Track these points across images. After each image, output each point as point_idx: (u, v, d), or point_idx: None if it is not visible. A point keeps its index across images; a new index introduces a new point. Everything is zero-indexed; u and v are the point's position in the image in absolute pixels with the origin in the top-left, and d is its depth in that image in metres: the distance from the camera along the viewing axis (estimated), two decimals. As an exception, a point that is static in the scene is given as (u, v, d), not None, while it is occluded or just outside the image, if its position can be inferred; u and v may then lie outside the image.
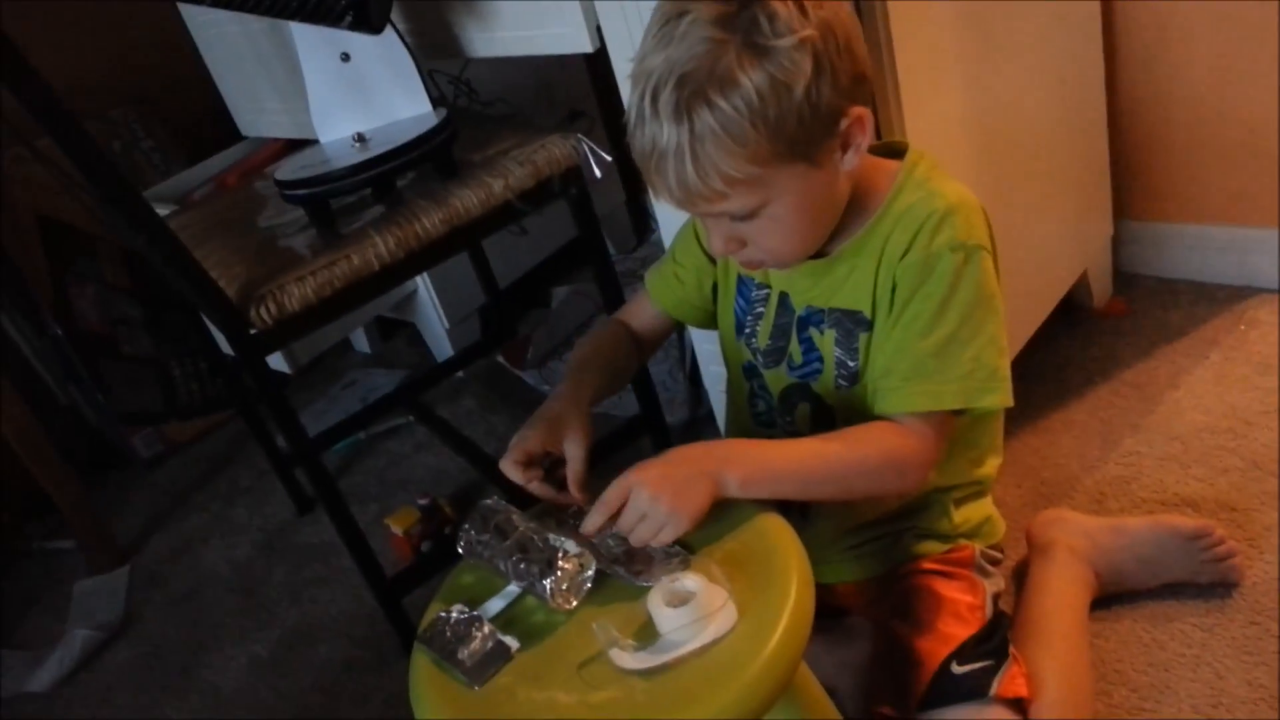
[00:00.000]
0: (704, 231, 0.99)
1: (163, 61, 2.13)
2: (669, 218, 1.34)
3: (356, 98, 1.37)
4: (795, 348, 1.00)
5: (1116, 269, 1.67)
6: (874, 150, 0.94)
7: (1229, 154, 1.52)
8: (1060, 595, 1.12)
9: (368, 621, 1.53)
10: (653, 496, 0.82)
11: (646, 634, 0.78)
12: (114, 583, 1.83)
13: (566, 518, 0.91)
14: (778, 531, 0.84)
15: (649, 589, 0.80)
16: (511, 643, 0.81)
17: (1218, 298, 1.58)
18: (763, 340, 1.03)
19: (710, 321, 1.11)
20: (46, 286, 2.03)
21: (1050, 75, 1.40)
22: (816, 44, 0.80)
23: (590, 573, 0.84)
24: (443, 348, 2.10)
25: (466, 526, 0.90)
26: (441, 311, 2.04)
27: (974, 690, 0.95)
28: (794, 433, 1.03)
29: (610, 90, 1.23)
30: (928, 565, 1.05)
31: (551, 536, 0.85)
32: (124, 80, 2.21)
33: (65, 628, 1.72)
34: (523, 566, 0.84)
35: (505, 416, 1.92)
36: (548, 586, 0.82)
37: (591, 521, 0.86)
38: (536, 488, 0.94)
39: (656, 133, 0.82)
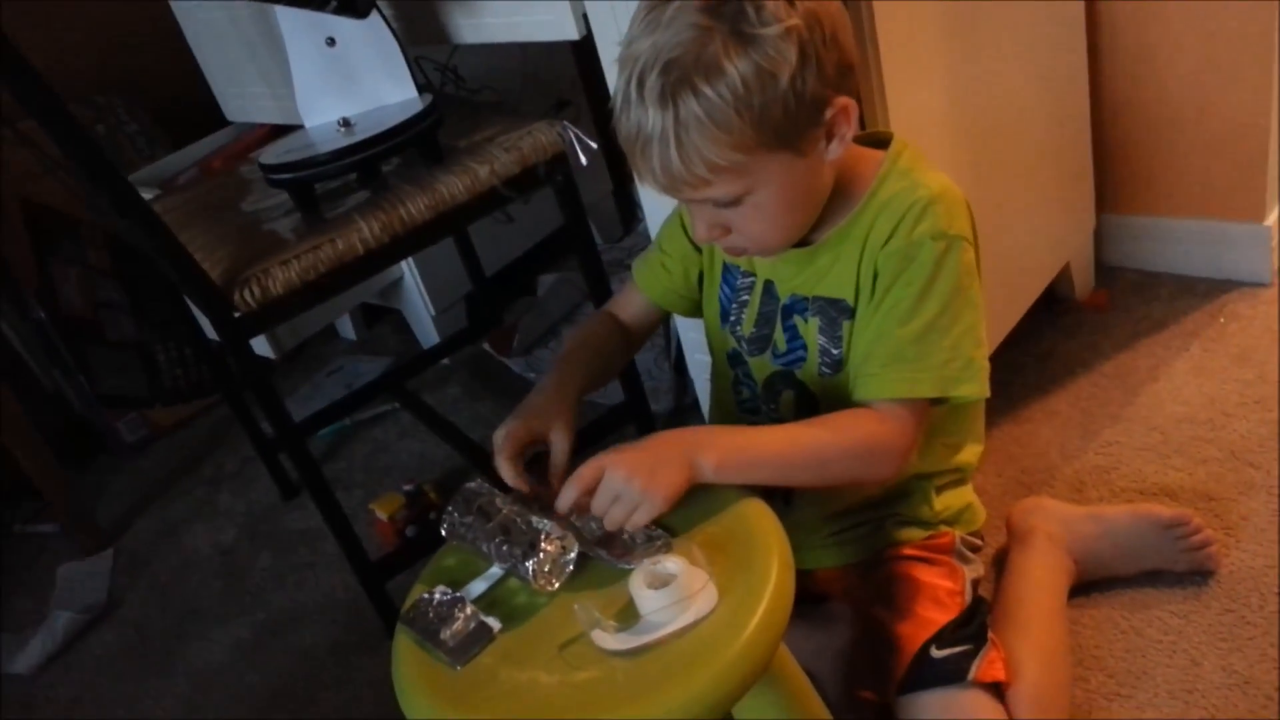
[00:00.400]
0: (689, 219, 0.99)
1: (148, 46, 2.11)
2: (656, 208, 1.34)
3: (342, 83, 1.36)
4: (779, 335, 1.01)
5: (1099, 262, 1.69)
6: (858, 140, 0.94)
7: (1211, 148, 1.53)
8: (1039, 582, 1.14)
9: (352, 606, 1.54)
10: (626, 478, 0.83)
11: (628, 615, 0.78)
12: (98, 566, 1.83)
13: (549, 501, 0.92)
14: (759, 515, 0.85)
15: (630, 571, 0.80)
16: (494, 624, 0.81)
17: (1198, 291, 1.60)
18: (747, 328, 1.03)
19: (696, 310, 1.12)
20: (30, 271, 2.02)
21: (1034, 68, 1.40)
22: (802, 34, 0.81)
23: (573, 555, 0.84)
24: (428, 335, 2.10)
25: (450, 509, 0.90)
26: (427, 298, 2.04)
27: (952, 674, 0.96)
28: (778, 420, 1.04)
29: (597, 78, 1.24)
30: (908, 551, 1.06)
31: (534, 519, 0.86)
32: (109, 64, 2.20)
33: (48, 611, 1.72)
34: (505, 548, 0.85)
35: (491, 404, 1.92)
36: (530, 568, 0.83)
37: (564, 498, 0.86)
38: (520, 484, 0.93)
39: (642, 118, 0.82)
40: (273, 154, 1.35)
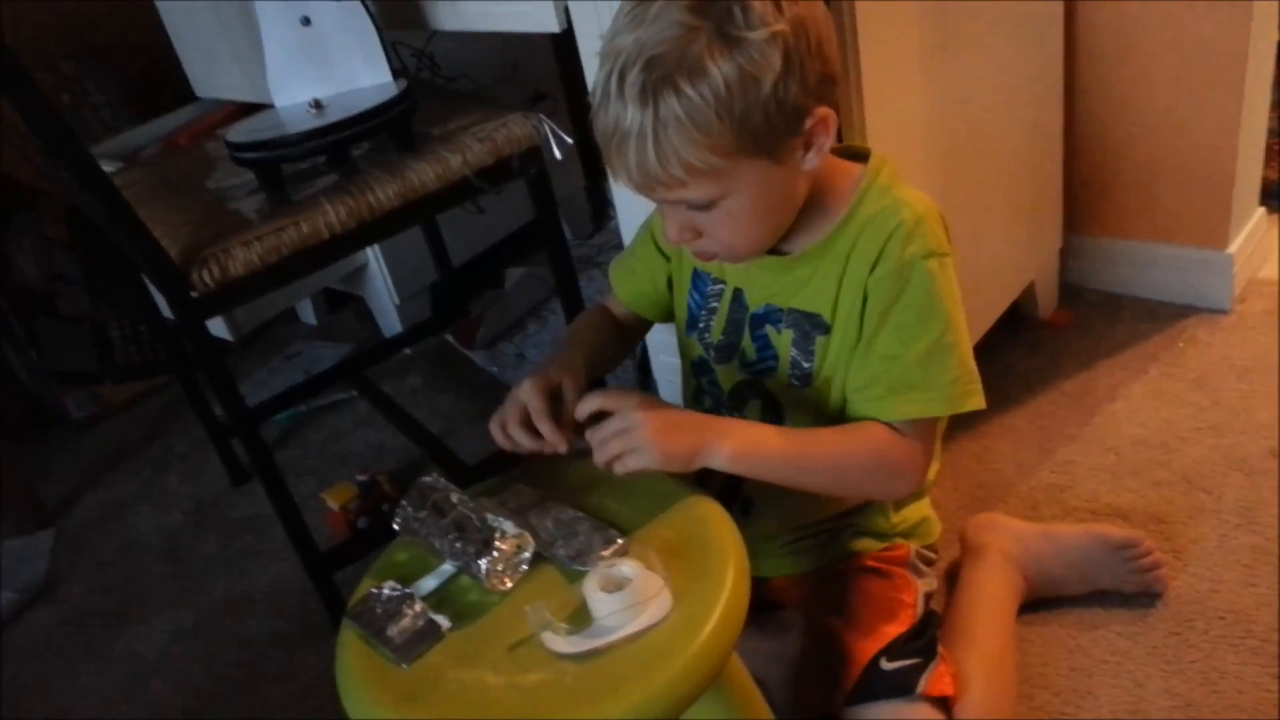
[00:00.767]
0: (660, 221, 0.98)
1: (119, 15, 2.07)
2: (627, 206, 1.33)
3: (315, 63, 1.34)
4: (748, 344, 1.00)
5: (1063, 281, 1.70)
6: (834, 153, 0.94)
7: (1181, 175, 1.55)
8: (990, 597, 1.14)
9: (298, 597, 1.51)
10: (641, 420, 0.83)
11: (580, 618, 0.77)
12: (39, 545, 1.78)
13: (506, 498, 0.91)
14: (717, 522, 0.84)
15: (585, 573, 0.79)
16: (443, 622, 0.80)
17: (1159, 315, 1.62)
18: (716, 335, 1.03)
19: (666, 315, 1.11)
20: (-18, 239, 1.97)
21: (1011, 86, 1.41)
22: (788, 40, 0.80)
23: (527, 554, 0.83)
24: (391, 323, 2.08)
25: (404, 503, 0.89)
26: (392, 286, 2.02)
27: (901, 687, 0.96)
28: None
29: (575, 73, 1.22)
30: (864, 563, 1.06)
31: (490, 516, 0.84)
32: (77, 32, 2.15)
33: (-15, 589, 1.68)
34: (459, 545, 0.83)
35: (451, 396, 1.90)
36: (483, 566, 0.81)
37: (585, 406, 0.87)
38: (545, 426, 0.91)
39: (620, 113, 0.81)
40: (241, 132, 1.32)
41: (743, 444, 0.87)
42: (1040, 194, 1.57)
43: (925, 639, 1.01)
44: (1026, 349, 1.61)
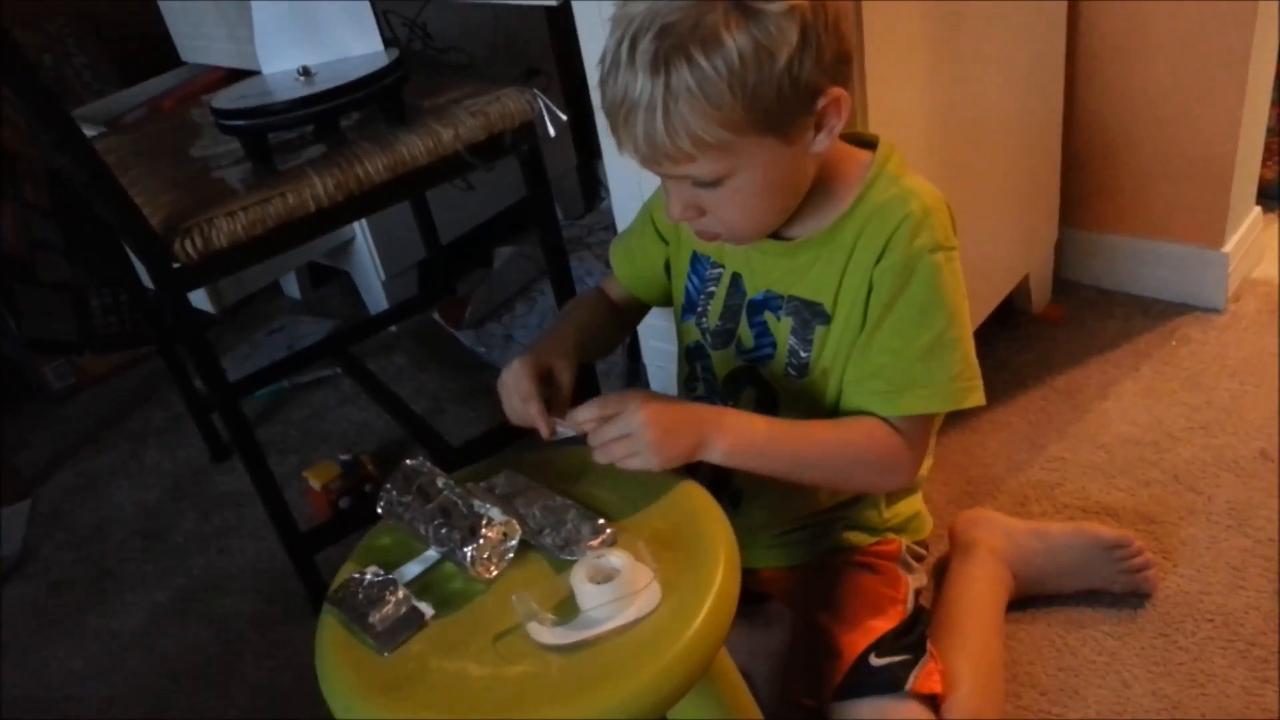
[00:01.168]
0: (662, 201, 0.96)
1: (104, -25, 2.03)
2: (621, 187, 1.31)
3: (305, 30, 1.31)
4: (745, 330, 0.98)
5: (1057, 275, 1.69)
6: (842, 139, 0.92)
7: (1180, 171, 1.54)
8: (979, 594, 1.13)
9: (277, 576, 1.49)
10: (644, 423, 0.81)
11: (567, 609, 0.75)
12: (14, 516, 1.75)
13: (493, 484, 0.88)
14: (708, 514, 0.82)
15: (573, 563, 0.77)
16: (426, 609, 0.78)
17: (1153, 312, 1.61)
18: (713, 320, 1.01)
19: (664, 299, 1.09)
20: (-40, 203, 1.93)
21: (1013, 78, 1.39)
22: (806, 15, 0.78)
23: (514, 542, 0.81)
24: (377, 300, 2.05)
25: (388, 486, 0.86)
26: (379, 262, 1.99)
27: (890, 683, 0.95)
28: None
29: (571, 49, 1.20)
30: (854, 557, 1.05)
31: (476, 503, 0.82)
32: (62, -9, 2.10)
33: (-44, 560, 1.65)
34: (444, 531, 0.81)
35: (436, 375, 1.88)
36: (468, 554, 0.79)
37: (584, 412, 0.85)
38: (532, 409, 0.90)
39: (630, 82, 0.78)
40: (227, 99, 1.29)
41: (740, 439, 0.86)
42: (1037, 187, 1.55)
43: (914, 635, 0.99)
44: (1019, 344, 1.60)
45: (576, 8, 1.16)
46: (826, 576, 1.04)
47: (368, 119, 1.31)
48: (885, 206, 0.89)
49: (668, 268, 1.06)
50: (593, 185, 2.21)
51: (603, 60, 0.81)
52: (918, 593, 1.06)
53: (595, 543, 0.79)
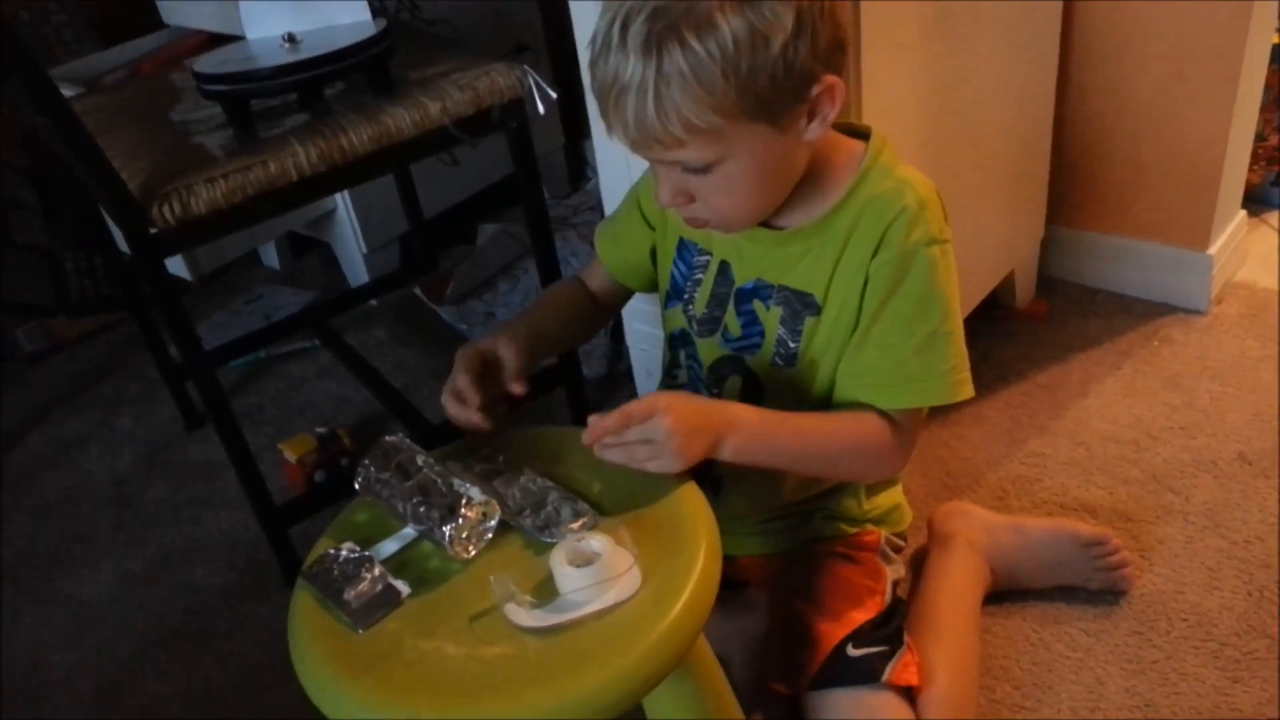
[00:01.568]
0: (650, 186, 0.95)
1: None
2: (609, 167, 1.29)
3: (292, -5, 1.28)
4: (731, 319, 0.97)
5: (1042, 272, 1.69)
6: (834, 128, 0.91)
7: (1166, 174, 1.54)
8: (955, 587, 1.13)
9: (250, 548, 1.47)
10: (670, 430, 0.80)
11: (545, 592, 0.75)
12: (-21, 481, 1.73)
13: (474, 463, 0.87)
14: (690, 500, 0.82)
15: (553, 545, 0.76)
16: (402, 588, 0.77)
17: (1135, 311, 1.61)
18: (699, 308, 1.00)
19: (650, 285, 1.08)
20: (-68, 160, 1.89)
21: (1006, 75, 1.39)
22: (802, 1, 0.76)
23: (493, 523, 0.80)
24: (358, 273, 2.02)
25: (366, 462, 0.85)
26: (360, 235, 1.96)
27: (866, 674, 0.94)
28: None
29: (560, 26, 1.18)
30: (833, 548, 1.05)
31: (456, 482, 0.81)
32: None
33: (-80, 524, 1.62)
34: (422, 510, 0.80)
35: (416, 350, 1.86)
36: (447, 533, 0.78)
37: (610, 422, 0.81)
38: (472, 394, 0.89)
39: (621, 64, 0.77)
40: (209, 63, 1.26)
41: (747, 438, 0.85)
42: (1025, 183, 1.55)
43: (892, 627, 0.99)
44: (1001, 339, 1.60)
45: (570, -16, 1.14)
46: (806, 566, 1.03)
47: (353, 89, 1.28)
48: (880, 199, 0.88)
49: (654, 254, 1.05)
50: (578, 165, 2.19)
51: (593, 41, 0.80)
52: (895, 584, 1.06)
53: (576, 525, 0.78)
